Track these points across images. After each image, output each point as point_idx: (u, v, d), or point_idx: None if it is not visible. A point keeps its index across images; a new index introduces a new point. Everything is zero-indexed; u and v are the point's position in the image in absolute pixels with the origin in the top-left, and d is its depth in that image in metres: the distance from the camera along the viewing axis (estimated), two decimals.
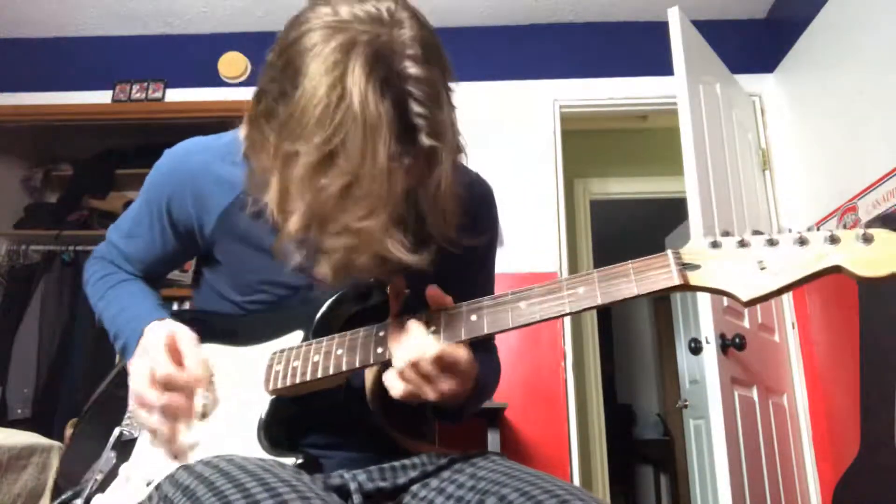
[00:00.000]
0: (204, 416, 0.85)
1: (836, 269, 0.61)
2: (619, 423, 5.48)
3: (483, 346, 1.00)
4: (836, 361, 2.57)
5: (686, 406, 3.79)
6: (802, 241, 0.62)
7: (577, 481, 2.69)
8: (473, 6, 3.15)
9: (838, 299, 2.55)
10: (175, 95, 3.30)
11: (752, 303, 0.63)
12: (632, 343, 6.21)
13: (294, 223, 0.69)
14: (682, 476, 5.02)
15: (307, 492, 0.63)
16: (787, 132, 3.01)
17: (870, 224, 2.27)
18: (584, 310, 0.69)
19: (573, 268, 3.43)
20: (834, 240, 0.61)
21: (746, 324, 2.40)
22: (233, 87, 3.25)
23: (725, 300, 2.25)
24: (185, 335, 0.87)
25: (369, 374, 0.88)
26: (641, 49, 3.16)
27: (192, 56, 3.35)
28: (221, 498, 0.62)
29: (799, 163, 2.92)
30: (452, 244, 0.75)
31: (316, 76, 0.67)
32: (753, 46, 3.18)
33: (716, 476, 2.01)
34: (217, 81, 3.27)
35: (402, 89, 0.67)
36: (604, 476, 3.67)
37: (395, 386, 0.76)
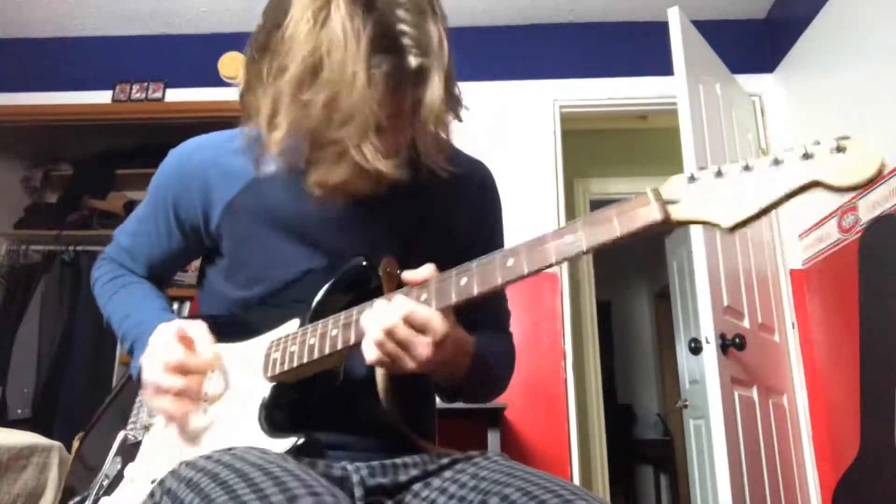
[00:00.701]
0: (215, 398, 0.86)
1: (815, 185, 0.60)
2: (619, 423, 5.48)
3: (495, 327, 1.01)
4: (836, 361, 2.57)
5: (686, 406, 3.79)
6: (777, 162, 0.62)
7: (577, 481, 2.69)
8: (473, 6, 3.15)
9: (838, 299, 2.55)
10: (175, 95, 3.31)
11: (734, 228, 0.63)
12: (632, 343, 6.21)
13: (278, 133, 0.75)
14: (682, 476, 5.02)
15: (317, 486, 0.63)
16: (787, 132, 3.00)
17: (870, 225, 2.27)
18: (571, 257, 0.68)
19: (573, 267, 3.43)
20: (808, 155, 0.60)
21: (746, 324, 2.40)
22: (233, 87, 3.24)
23: (725, 299, 2.25)
24: (193, 325, 0.89)
25: (380, 372, 0.88)
26: (641, 49, 3.16)
27: (192, 56, 3.35)
28: (227, 489, 0.62)
29: None
30: (439, 169, 0.80)
31: (303, 2, 0.73)
32: (753, 46, 3.18)
33: (716, 476, 2.01)
34: (217, 81, 3.27)
35: (387, 10, 0.72)
36: (604, 476, 3.67)
37: (370, 352, 0.75)
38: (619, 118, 3.66)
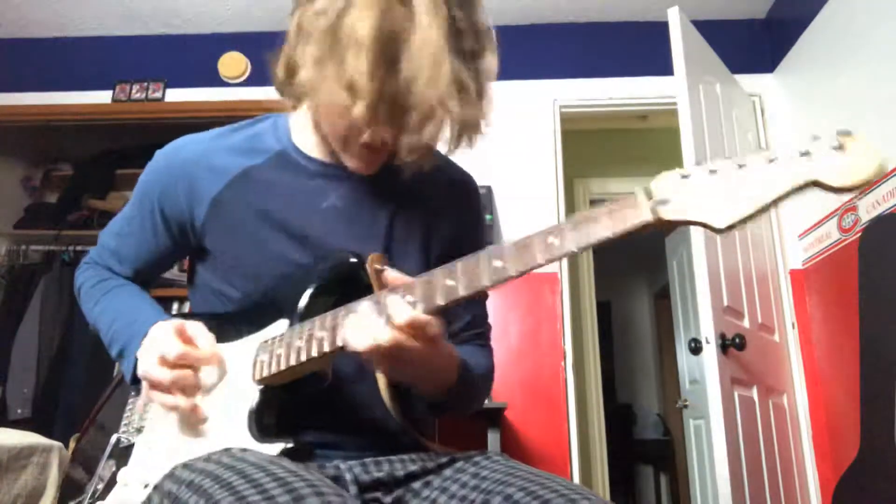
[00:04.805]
0: (211, 388, 0.86)
1: (812, 184, 0.57)
2: (619, 423, 5.48)
3: (478, 341, 1.01)
4: (836, 361, 2.57)
5: (686, 406, 3.79)
6: (773, 160, 0.58)
7: (577, 481, 2.69)
8: None
9: (838, 299, 2.55)
10: (175, 95, 3.30)
11: (728, 229, 0.59)
12: (632, 343, 6.21)
13: (360, 108, 0.74)
14: (682, 476, 5.02)
15: (322, 486, 0.63)
16: (787, 132, 3.00)
17: (870, 225, 2.27)
18: (558, 257, 0.66)
19: (573, 267, 3.43)
20: (805, 153, 0.57)
21: (746, 324, 2.40)
22: (233, 87, 3.25)
23: (725, 299, 2.25)
24: (191, 322, 0.88)
25: (381, 376, 0.88)
26: (641, 49, 3.16)
27: (192, 56, 3.35)
28: (230, 489, 0.62)
29: None
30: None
31: None
32: (753, 46, 3.18)
33: (716, 476, 2.01)
34: (217, 81, 3.28)
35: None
36: (604, 476, 3.67)
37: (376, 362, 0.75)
38: (619, 118, 3.66)
